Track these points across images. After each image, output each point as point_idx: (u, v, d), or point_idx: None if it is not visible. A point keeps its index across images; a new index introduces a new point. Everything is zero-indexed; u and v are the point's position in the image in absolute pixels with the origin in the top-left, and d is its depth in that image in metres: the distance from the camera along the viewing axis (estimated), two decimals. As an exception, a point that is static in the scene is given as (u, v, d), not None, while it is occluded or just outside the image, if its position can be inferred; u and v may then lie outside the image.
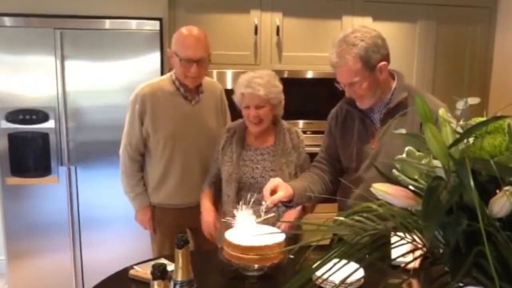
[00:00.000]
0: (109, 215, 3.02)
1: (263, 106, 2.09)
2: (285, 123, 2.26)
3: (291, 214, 2.10)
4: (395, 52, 3.79)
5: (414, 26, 3.55)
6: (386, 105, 1.82)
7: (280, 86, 2.16)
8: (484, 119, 0.76)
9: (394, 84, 1.84)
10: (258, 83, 2.07)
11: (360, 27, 1.81)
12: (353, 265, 0.87)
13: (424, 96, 1.76)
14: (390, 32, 3.49)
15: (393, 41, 3.47)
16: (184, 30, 2.21)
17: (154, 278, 1.05)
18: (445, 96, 1.77)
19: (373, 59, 1.72)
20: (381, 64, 1.74)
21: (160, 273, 1.04)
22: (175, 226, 2.31)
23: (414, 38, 3.56)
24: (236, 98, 2.17)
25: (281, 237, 1.72)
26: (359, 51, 1.70)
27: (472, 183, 0.68)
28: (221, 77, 3.26)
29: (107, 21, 2.95)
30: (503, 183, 0.74)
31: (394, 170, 0.93)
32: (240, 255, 1.67)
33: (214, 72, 3.24)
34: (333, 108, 2.06)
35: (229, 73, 3.29)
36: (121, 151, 2.33)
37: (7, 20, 2.85)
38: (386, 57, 1.77)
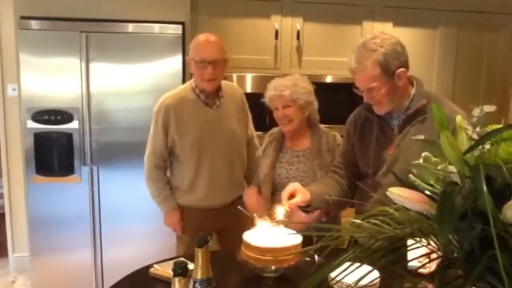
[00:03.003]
0: (129, 214, 3.08)
1: (289, 105, 2.19)
2: (322, 127, 2.33)
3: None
4: (415, 58, 3.78)
5: (435, 32, 3.54)
6: (405, 111, 1.83)
7: (308, 88, 2.24)
8: (499, 126, 0.78)
9: (413, 91, 1.84)
10: (283, 85, 2.20)
11: (380, 33, 1.82)
12: (368, 268, 0.89)
13: (443, 103, 1.77)
14: (410, 38, 3.49)
15: (413, 47, 3.47)
16: (200, 36, 2.31)
17: (176, 275, 1.09)
18: (465, 103, 1.77)
19: (392, 65, 1.73)
20: (400, 70, 1.75)
21: (181, 270, 1.08)
22: (202, 227, 2.35)
23: (435, 44, 3.55)
24: (266, 103, 2.27)
25: (298, 239, 1.74)
26: (378, 57, 1.71)
27: (485, 188, 0.70)
28: (241, 81, 3.31)
29: (131, 25, 3.02)
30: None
31: (410, 175, 0.95)
32: (257, 256, 1.70)
33: (234, 75, 3.29)
34: (351, 114, 2.07)
35: (248, 77, 3.33)
36: (145, 158, 2.39)
37: (34, 23, 2.93)
38: (405, 64, 1.77)
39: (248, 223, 2.47)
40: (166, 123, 2.29)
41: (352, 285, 0.84)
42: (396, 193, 0.85)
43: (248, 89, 3.31)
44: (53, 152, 3.03)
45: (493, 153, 0.83)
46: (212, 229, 2.41)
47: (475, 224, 0.81)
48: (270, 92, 2.23)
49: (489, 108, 0.81)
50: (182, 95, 2.33)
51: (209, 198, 2.38)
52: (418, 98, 1.81)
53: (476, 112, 0.82)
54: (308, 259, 1.70)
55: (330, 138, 2.27)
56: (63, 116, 2.97)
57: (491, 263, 0.80)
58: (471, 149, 0.76)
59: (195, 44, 2.28)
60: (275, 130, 2.38)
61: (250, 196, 2.28)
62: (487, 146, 0.85)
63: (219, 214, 2.38)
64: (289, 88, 2.18)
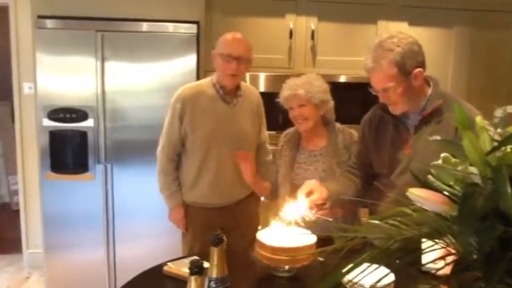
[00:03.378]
0: (143, 212, 3.09)
1: (304, 105, 2.19)
2: (338, 125, 2.33)
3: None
4: (430, 58, 3.74)
5: (450, 32, 3.51)
6: (421, 111, 1.81)
7: (322, 86, 2.24)
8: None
9: (429, 91, 1.82)
10: (297, 84, 2.20)
11: (397, 32, 1.81)
12: (383, 270, 0.88)
13: (459, 103, 1.75)
14: (426, 37, 3.44)
15: (428, 46, 3.43)
16: (229, 33, 2.34)
17: (192, 274, 1.09)
18: (480, 103, 1.76)
19: (409, 65, 1.72)
20: (417, 70, 1.73)
21: (197, 269, 1.08)
22: (206, 225, 2.35)
23: (450, 44, 3.52)
24: (281, 103, 2.27)
25: (312, 239, 1.74)
26: (394, 57, 1.70)
27: (509, 190, 0.69)
28: (255, 80, 3.30)
29: (145, 23, 3.04)
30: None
31: (429, 176, 0.94)
32: (271, 255, 1.69)
33: (248, 75, 3.28)
34: (366, 114, 2.06)
35: (262, 76, 3.33)
36: (158, 150, 2.39)
37: (49, 23, 2.96)
38: (422, 64, 1.76)
39: (256, 224, 2.48)
40: (183, 112, 2.31)
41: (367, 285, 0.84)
42: (416, 193, 0.84)
43: (262, 89, 3.31)
44: (68, 150, 3.06)
45: (515, 154, 0.82)
46: (215, 229, 2.39)
47: (496, 225, 0.80)
48: (285, 92, 2.23)
49: (510, 109, 0.80)
50: (201, 88, 2.35)
51: (212, 196, 2.37)
52: (434, 98, 1.80)
53: (499, 112, 0.81)
54: (321, 259, 1.69)
55: (346, 135, 2.27)
56: (78, 114, 3.00)
57: (511, 265, 0.79)
58: (494, 150, 0.75)
59: (224, 39, 2.31)
60: (290, 130, 2.38)
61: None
62: (509, 147, 0.84)
63: (223, 214, 2.38)
64: (303, 87, 2.18)
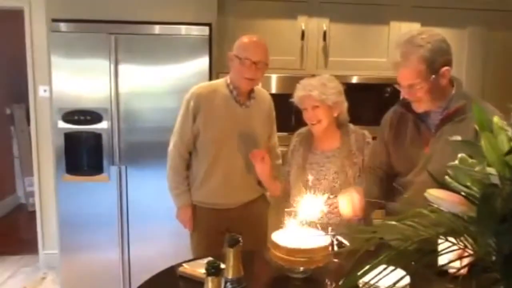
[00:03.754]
0: (157, 214, 3.11)
1: (318, 106, 2.17)
2: (351, 126, 2.31)
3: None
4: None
5: (464, 32, 3.49)
6: (443, 110, 1.80)
7: (337, 88, 2.23)
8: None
9: (453, 91, 1.80)
10: (312, 85, 2.19)
11: (427, 29, 1.78)
12: (399, 272, 0.88)
13: (482, 104, 1.73)
14: (439, 37, 3.44)
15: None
16: (247, 36, 2.33)
17: (209, 275, 1.10)
18: (495, 103, 1.74)
19: (438, 62, 1.70)
20: (444, 69, 1.71)
21: (214, 269, 1.09)
22: (213, 226, 2.35)
23: (464, 44, 3.49)
24: (296, 103, 2.26)
25: (327, 240, 1.74)
26: (424, 53, 1.68)
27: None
28: (266, 82, 3.31)
29: (158, 26, 3.06)
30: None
31: (446, 176, 0.94)
32: (286, 256, 1.70)
33: (260, 76, 3.29)
34: (387, 113, 2.04)
35: (273, 78, 3.33)
36: (170, 148, 2.39)
37: (64, 26, 3.00)
38: (450, 63, 1.74)
39: (264, 227, 2.47)
40: (196, 110, 2.30)
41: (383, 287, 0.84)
42: (434, 194, 0.84)
43: (274, 90, 3.32)
44: (83, 151, 3.09)
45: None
46: (222, 231, 2.38)
47: (515, 227, 0.80)
48: (299, 92, 2.22)
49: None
50: (215, 88, 2.35)
51: (220, 196, 2.37)
52: (457, 99, 1.78)
53: (516, 113, 0.81)
54: (337, 260, 1.69)
55: (359, 137, 2.26)
56: (92, 116, 3.03)
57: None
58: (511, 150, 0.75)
59: (242, 42, 2.30)
60: (303, 130, 2.37)
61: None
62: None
63: (230, 216, 2.36)
64: (317, 88, 2.17)
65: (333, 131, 2.27)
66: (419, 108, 1.80)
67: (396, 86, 1.80)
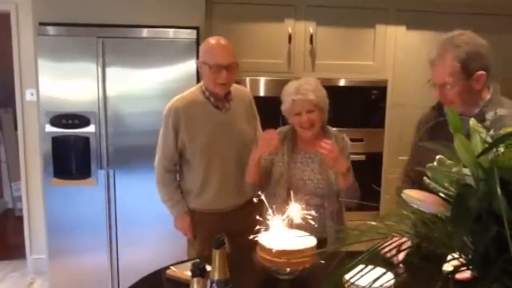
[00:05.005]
0: (145, 217, 3.11)
1: (313, 110, 2.16)
2: (331, 128, 2.32)
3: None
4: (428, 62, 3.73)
5: (449, 35, 3.52)
6: (476, 116, 1.70)
7: (325, 91, 2.22)
8: (513, 130, 0.79)
9: (488, 96, 1.76)
10: (307, 89, 2.15)
11: (468, 31, 1.76)
12: (388, 274, 0.90)
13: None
14: (424, 41, 3.48)
15: (426, 50, 3.46)
16: (210, 39, 2.30)
17: (194, 276, 1.11)
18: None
19: (472, 66, 1.68)
20: (480, 73, 1.69)
21: (199, 271, 1.10)
22: (213, 230, 2.35)
23: (449, 47, 3.53)
24: (285, 106, 2.21)
25: (313, 242, 1.76)
26: (460, 53, 1.67)
27: (500, 191, 0.71)
28: (255, 85, 3.33)
29: (146, 30, 3.07)
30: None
31: (425, 178, 0.97)
32: (273, 258, 1.71)
33: (247, 79, 3.32)
34: (420, 116, 2.00)
35: (262, 81, 3.36)
36: (156, 163, 2.40)
37: (51, 30, 2.99)
38: (486, 68, 1.71)
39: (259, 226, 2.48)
40: (177, 125, 2.30)
41: (367, 287, 0.86)
42: (411, 195, 0.86)
43: (262, 93, 3.34)
44: (71, 155, 3.08)
45: (507, 156, 0.84)
46: (222, 233, 2.39)
47: (490, 226, 0.82)
48: (293, 96, 2.16)
49: (502, 112, 0.83)
50: (192, 98, 2.33)
51: (219, 201, 2.38)
52: (492, 105, 1.69)
53: (490, 115, 0.84)
54: (323, 261, 1.71)
55: (339, 139, 2.27)
56: (80, 120, 3.02)
57: (507, 265, 0.81)
58: (484, 152, 0.77)
59: (208, 48, 2.27)
60: (284, 128, 2.33)
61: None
62: (502, 149, 0.86)
63: (230, 218, 2.38)
64: (313, 92, 2.14)
65: (317, 134, 2.27)
66: None
67: (429, 83, 1.78)
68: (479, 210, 0.80)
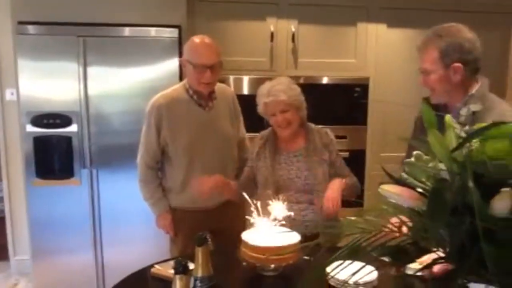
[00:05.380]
0: (129, 216, 3.10)
1: (287, 110, 2.17)
2: (313, 125, 2.33)
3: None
4: (409, 59, 3.80)
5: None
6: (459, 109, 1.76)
7: (298, 89, 2.24)
8: (485, 124, 0.82)
9: (473, 90, 1.78)
10: (278, 89, 2.17)
11: (461, 26, 1.81)
12: (368, 267, 0.92)
13: (493, 107, 1.68)
14: (405, 38, 3.53)
15: (407, 48, 3.54)
16: (195, 38, 2.28)
17: (177, 273, 1.12)
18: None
19: (451, 56, 1.74)
20: (456, 65, 1.74)
21: (182, 268, 1.11)
22: (195, 228, 2.35)
23: (429, 44, 3.57)
24: (260, 109, 2.24)
25: (297, 238, 1.78)
26: (440, 43, 1.74)
27: (472, 184, 0.73)
28: (238, 83, 3.34)
29: (127, 28, 3.05)
30: (504, 185, 0.79)
31: (402, 173, 0.99)
32: (257, 255, 1.73)
33: (231, 78, 3.32)
34: (417, 113, 2.02)
35: (245, 79, 3.37)
36: (138, 160, 2.39)
37: (32, 28, 2.96)
38: (467, 62, 1.75)
39: (242, 224, 2.50)
40: (159, 122, 2.29)
41: (347, 280, 0.88)
42: (388, 189, 0.88)
43: (245, 91, 3.35)
44: (53, 155, 3.06)
45: (481, 150, 0.86)
46: (205, 231, 2.39)
47: (465, 219, 0.85)
48: (265, 99, 2.19)
49: (475, 107, 0.85)
50: (175, 96, 2.33)
51: (200, 200, 2.36)
52: (474, 100, 1.72)
53: (464, 111, 0.86)
54: (307, 257, 1.73)
55: (322, 134, 2.29)
56: (61, 119, 3.00)
57: (481, 256, 0.83)
58: (458, 146, 0.79)
59: (193, 47, 2.26)
60: (265, 132, 2.36)
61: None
62: (476, 144, 0.89)
63: (211, 216, 2.38)
64: (284, 92, 2.16)
65: (298, 131, 2.28)
66: (434, 99, 1.82)
67: (419, 71, 1.86)
68: (454, 203, 0.82)
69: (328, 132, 2.33)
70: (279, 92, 2.16)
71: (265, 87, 2.22)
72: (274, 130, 2.29)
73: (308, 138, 2.28)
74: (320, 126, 2.36)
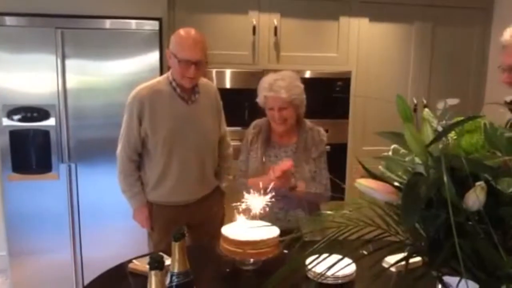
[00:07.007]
0: (109, 211, 3.07)
1: (286, 107, 2.16)
2: (308, 122, 2.32)
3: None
4: (391, 53, 3.83)
5: (411, 27, 3.60)
6: None
7: (301, 86, 2.23)
8: (461, 119, 0.81)
9: None
10: (280, 86, 2.15)
11: None
12: (346, 260, 0.92)
13: None
14: (386, 33, 3.54)
15: (389, 42, 3.55)
16: (182, 31, 2.24)
17: (152, 269, 1.11)
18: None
19: None
20: None
21: (157, 263, 1.09)
22: (172, 223, 2.34)
23: (411, 39, 3.60)
24: (259, 100, 2.24)
25: (276, 231, 1.77)
26: None
27: (446, 178, 0.73)
28: (220, 77, 3.32)
29: (108, 20, 3.00)
30: (478, 179, 0.79)
31: (380, 167, 0.99)
32: (236, 249, 1.72)
33: (214, 71, 3.29)
34: None
35: (227, 73, 3.34)
36: (118, 151, 2.36)
37: (8, 20, 2.89)
38: None
39: (220, 218, 2.50)
40: (141, 113, 2.26)
41: (323, 273, 0.87)
42: (364, 184, 0.88)
43: (228, 85, 3.32)
44: (30, 149, 3.00)
45: (457, 144, 0.87)
46: (182, 225, 2.38)
47: (440, 213, 0.85)
48: (265, 92, 2.18)
49: (452, 102, 0.85)
50: (158, 88, 2.30)
51: (177, 194, 2.36)
52: None
53: (440, 105, 0.86)
54: (286, 251, 1.73)
55: (315, 133, 2.29)
56: (39, 113, 2.94)
57: (454, 249, 0.83)
58: (434, 141, 0.79)
59: (180, 40, 2.22)
60: (259, 121, 2.36)
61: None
62: (452, 139, 0.89)
63: (188, 211, 2.37)
64: (286, 90, 2.14)
65: (292, 127, 2.28)
66: None
67: (499, 67, 1.77)
68: (428, 197, 0.82)
69: (321, 130, 2.32)
70: (280, 89, 2.15)
71: (267, 80, 2.20)
72: (269, 122, 2.29)
73: (301, 135, 2.28)
74: (313, 124, 2.35)
